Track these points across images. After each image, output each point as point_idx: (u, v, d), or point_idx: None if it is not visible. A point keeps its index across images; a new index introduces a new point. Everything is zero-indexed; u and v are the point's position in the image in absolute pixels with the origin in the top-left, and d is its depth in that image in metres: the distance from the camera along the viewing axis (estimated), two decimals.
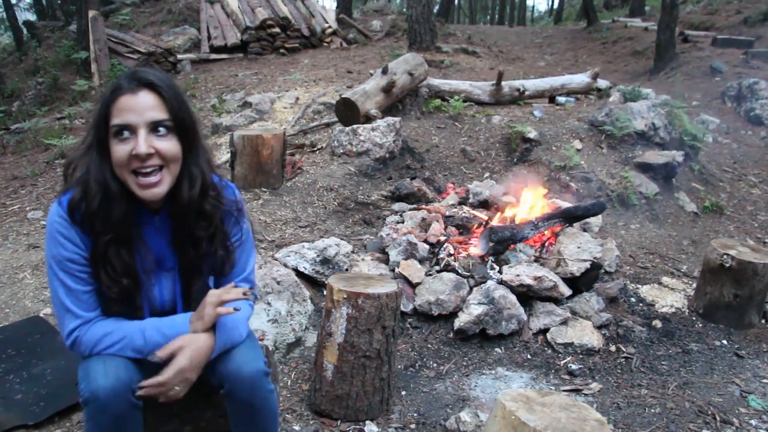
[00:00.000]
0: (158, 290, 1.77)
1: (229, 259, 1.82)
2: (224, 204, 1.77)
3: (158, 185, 1.60)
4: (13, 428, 2.35)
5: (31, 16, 16.67)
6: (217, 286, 1.85)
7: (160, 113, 1.58)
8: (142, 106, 1.56)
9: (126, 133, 1.56)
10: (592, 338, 3.59)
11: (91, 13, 9.29)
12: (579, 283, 3.87)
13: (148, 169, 1.58)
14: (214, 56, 11.05)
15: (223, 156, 5.78)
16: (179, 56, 10.55)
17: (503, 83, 7.18)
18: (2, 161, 6.78)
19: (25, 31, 13.26)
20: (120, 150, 1.57)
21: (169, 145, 1.60)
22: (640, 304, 4.04)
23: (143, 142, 1.55)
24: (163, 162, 1.60)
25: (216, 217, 1.74)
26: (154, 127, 1.58)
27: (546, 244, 4.17)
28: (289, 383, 3.04)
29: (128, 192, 1.63)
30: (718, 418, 2.96)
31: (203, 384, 2.01)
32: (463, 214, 4.51)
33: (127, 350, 1.65)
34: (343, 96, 5.81)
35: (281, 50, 11.39)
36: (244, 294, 1.71)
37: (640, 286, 4.26)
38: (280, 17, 11.62)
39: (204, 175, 1.71)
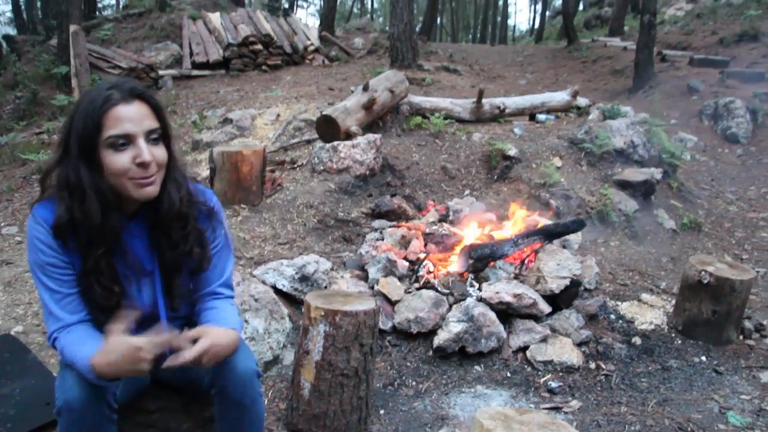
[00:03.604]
0: (138, 294, 1.79)
1: (206, 257, 1.85)
2: (195, 204, 1.81)
3: (153, 184, 1.64)
4: None
5: (12, 31, 16.51)
6: (195, 284, 1.89)
7: (153, 122, 1.63)
8: (138, 115, 1.60)
9: (123, 142, 1.58)
10: (572, 356, 3.58)
11: (73, 28, 9.21)
12: (558, 301, 3.86)
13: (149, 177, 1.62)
14: (195, 72, 11.02)
15: (202, 172, 5.74)
16: (161, 72, 10.51)
17: (484, 101, 7.22)
18: None
19: (4, 45, 13.12)
20: (119, 160, 1.58)
21: (162, 152, 1.66)
22: (620, 321, 4.04)
23: (147, 150, 1.59)
24: (158, 168, 1.65)
25: (190, 218, 1.79)
26: (148, 136, 1.61)
27: (526, 261, 4.17)
28: (266, 402, 2.98)
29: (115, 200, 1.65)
30: None
31: (182, 393, 1.99)
32: (443, 232, 4.50)
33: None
34: (324, 113, 5.80)
35: (263, 67, 11.40)
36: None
37: (619, 303, 4.27)
38: (263, 34, 11.64)
39: (186, 179, 1.78)
